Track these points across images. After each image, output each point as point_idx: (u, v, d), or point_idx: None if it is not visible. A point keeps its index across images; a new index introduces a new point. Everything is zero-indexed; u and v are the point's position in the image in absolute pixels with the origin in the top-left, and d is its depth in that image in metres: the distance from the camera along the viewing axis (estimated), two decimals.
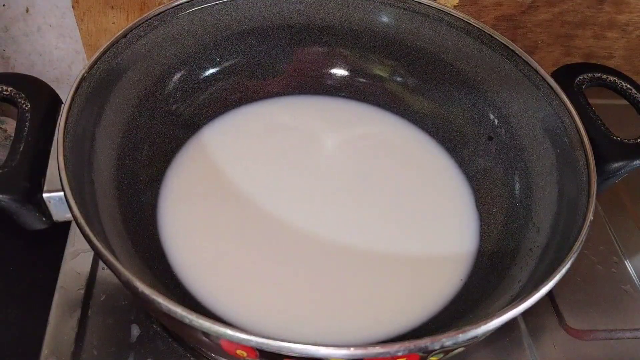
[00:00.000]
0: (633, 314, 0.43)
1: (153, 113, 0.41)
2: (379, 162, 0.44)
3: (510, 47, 0.40)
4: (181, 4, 0.41)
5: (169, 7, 0.40)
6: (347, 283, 0.37)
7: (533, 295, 0.28)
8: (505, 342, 0.41)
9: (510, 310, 0.27)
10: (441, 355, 0.28)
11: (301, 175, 0.43)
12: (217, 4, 0.42)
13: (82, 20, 0.50)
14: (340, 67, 0.48)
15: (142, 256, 0.35)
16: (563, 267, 0.29)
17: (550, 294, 0.44)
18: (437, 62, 0.45)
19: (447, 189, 0.43)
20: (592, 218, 0.32)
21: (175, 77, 0.43)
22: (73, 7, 0.49)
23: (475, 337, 0.26)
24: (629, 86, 0.41)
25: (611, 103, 0.45)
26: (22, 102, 0.36)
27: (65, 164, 0.30)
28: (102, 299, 0.40)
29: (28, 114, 0.35)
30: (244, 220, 0.39)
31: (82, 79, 0.35)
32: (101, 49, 0.37)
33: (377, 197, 0.42)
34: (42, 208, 0.33)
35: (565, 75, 0.42)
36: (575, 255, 0.30)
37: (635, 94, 0.40)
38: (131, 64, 0.39)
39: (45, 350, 0.38)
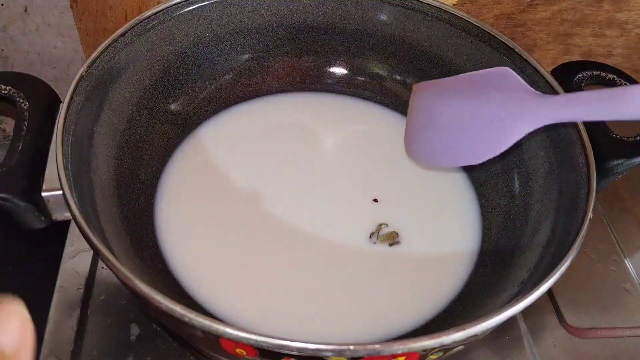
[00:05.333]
0: (633, 313, 0.43)
1: (151, 112, 0.41)
2: (379, 160, 0.44)
3: (510, 45, 0.40)
4: (179, 2, 0.41)
5: (167, 6, 0.40)
6: (347, 282, 0.37)
7: (532, 294, 0.28)
8: (505, 340, 0.41)
9: (510, 308, 0.27)
10: (441, 354, 0.28)
11: (300, 173, 0.43)
12: (215, 2, 0.42)
13: (80, 19, 0.50)
14: (339, 65, 0.48)
15: (140, 255, 0.35)
16: (563, 265, 0.29)
17: (550, 292, 0.44)
18: (436, 60, 0.45)
19: (446, 188, 0.43)
20: (591, 216, 0.32)
21: (173, 75, 0.43)
22: (71, 6, 0.49)
23: (475, 335, 0.26)
24: (628, 84, 0.41)
25: None
26: (21, 101, 0.36)
27: (64, 163, 0.30)
28: (101, 298, 0.40)
29: (27, 113, 0.35)
30: (243, 218, 0.39)
31: (81, 78, 0.35)
32: (100, 48, 0.37)
33: (376, 194, 0.42)
34: (40, 207, 0.33)
35: (565, 73, 0.42)
36: (575, 253, 0.30)
37: None
38: (130, 63, 0.39)
39: (44, 350, 0.38)
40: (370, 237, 0.39)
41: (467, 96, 0.30)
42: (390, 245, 0.39)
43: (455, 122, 0.29)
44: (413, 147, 0.33)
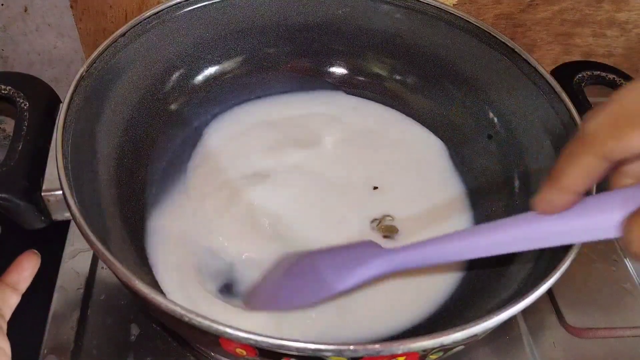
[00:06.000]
0: (633, 312, 0.43)
1: (152, 112, 0.41)
2: (380, 159, 0.44)
3: (510, 45, 0.40)
4: (179, 2, 0.41)
5: (167, 5, 0.40)
6: None
7: (532, 293, 0.28)
8: (505, 340, 0.41)
9: (509, 308, 0.27)
10: (441, 354, 0.28)
11: (300, 173, 0.42)
12: (215, 2, 0.42)
13: (80, 19, 0.50)
14: (339, 65, 0.48)
15: (141, 255, 0.35)
16: (562, 265, 0.29)
17: (549, 292, 0.44)
18: (436, 60, 0.45)
19: (447, 187, 0.43)
20: None
21: (174, 75, 0.43)
22: (71, 6, 0.49)
23: (475, 335, 0.26)
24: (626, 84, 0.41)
25: None
26: (21, 101, 0.36)
27: (64, 163, 0.30)
28: (101, 298, 0.40)
29: (27, 113, 0.36)
30: (245, 218, 0.39)
31: (81, 78, 0.35)
32: (100, 48, 0.37)
33: (377, 194, 0.42)
34: (40, 207, 0.33)
35: (565, 73, 0.42)
36: (575, 253, 0.30)
37: None
38: (130, 63, 0.39)
39: (44, 350, 0.38)
40: (371, 222, 0.39)
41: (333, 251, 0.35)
42: (384, 237, 0.39)
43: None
44: (263, 299, 0.35)
